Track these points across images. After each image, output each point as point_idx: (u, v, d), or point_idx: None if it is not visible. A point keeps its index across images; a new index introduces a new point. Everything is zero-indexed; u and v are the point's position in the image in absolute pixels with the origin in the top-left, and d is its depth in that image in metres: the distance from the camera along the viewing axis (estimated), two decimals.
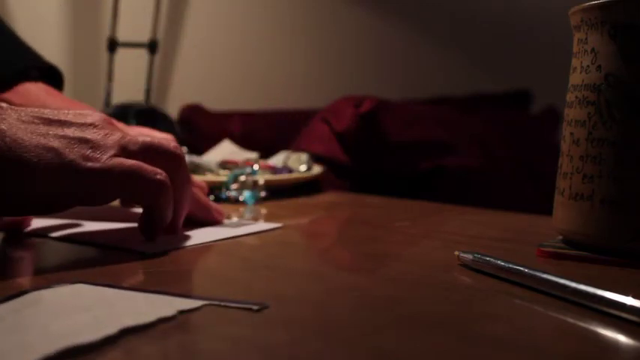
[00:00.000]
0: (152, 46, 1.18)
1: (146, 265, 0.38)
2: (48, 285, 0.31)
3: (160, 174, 0.40)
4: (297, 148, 0.94)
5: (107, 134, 0.40)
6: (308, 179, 0.77)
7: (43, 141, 0.36)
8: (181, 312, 0.28)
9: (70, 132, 0.38)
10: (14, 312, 0.27)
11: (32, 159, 0.36)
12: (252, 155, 0.85)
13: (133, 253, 0.40)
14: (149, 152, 0.41)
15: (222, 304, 0.29)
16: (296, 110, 1.32)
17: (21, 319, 0.26)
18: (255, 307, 0.28)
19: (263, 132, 1.21)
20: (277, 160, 0.82)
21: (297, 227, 0.56)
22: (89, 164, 0.37)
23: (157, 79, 1.28)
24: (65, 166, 0.37)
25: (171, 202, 0.42)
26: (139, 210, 0.53)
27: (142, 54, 1.19)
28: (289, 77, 1.51)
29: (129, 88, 1.17)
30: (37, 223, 0.47)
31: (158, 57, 1.23)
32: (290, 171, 0.77)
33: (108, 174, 0.38)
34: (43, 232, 0.46)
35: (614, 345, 0.27)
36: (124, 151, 0.40)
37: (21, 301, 0.28)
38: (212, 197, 0.67)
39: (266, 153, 0.88)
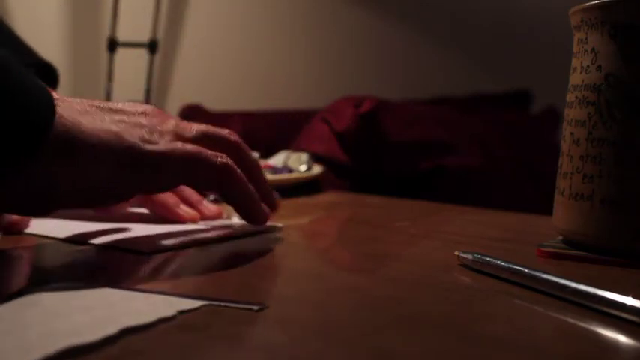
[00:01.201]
0: (152, 46, 1.18)
1: (146, 265, 0.38)
2: (48, 285, 0.31)
3: (222, 157, 0.40)
4: (297, 148, 0.94)
5: (162, 121, 0.40)
6: (308, 179, 0.77)
7: (101, 125, 0.36)
8: (181, 312, 0.28)
9: (126, 117, 0.38)
10: (14, 312, 0.27)
11: (94, 141, 0.35)
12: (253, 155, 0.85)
13: (133, 253, 0.40)
14: (205, 139, 0.41)
15: (222, 304, 0.29)
16: (296, 110, 1.32)
17: (21, 319, 0.26)
18: (255, 307, 0.28)
19: (263, 132, 1.21)
20: (277, 160, 0.82)
21: (297, 227, 0.56)
22: (149, 147, 0.37)
23: (157, 79, 1.28)
24: (126, 149, 0.36)
25: (241, 183, 0.41)
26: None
27: (142, 54, 1.19)
28: (289, 77, 1.51)
29: (129, 88, 1.17)
30: (36, 224, 0.47)
31: (158, 57, 1.23)
32: (290, 171, 0.77)
33: (169, 158, 0.38)
34: (41, 233, 0.46)
35: (614, 345, 0.27)
36: (180, 137, 0.40)
37: (21, 301, 0.28)
38: (212, 197, 0.67)
39: (266, 153, 0.88)
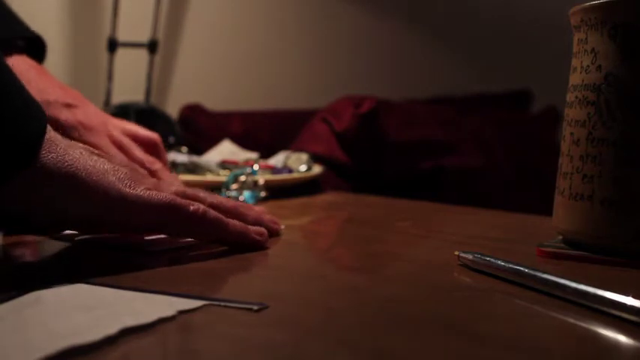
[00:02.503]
0: (152, 46, 1.18)
1: (146, 265, 0.38)
2: (48, 285, 0.31)
3: (195, 204, 0.40)
4: (297, 148, 0.94)
5: (143, 175, 0.41)
6: (308, 179, 0.77)
7: (91, 162, 0.37)
8: (181, 312, 0.28)
9: (111, 162, 0.39)
10: (15, 312, 0.27)
11: (82, 174, 0.36)
12: (252, 155, 0.85)
13: (132, 253, 0.40)
14: (182, 195, 0.42)
15: (222, 304, 0.29)
16: (296, 110, 1.32)
17: (22, 319, 0.26)
18: (255, 307, 0.28)
19: (263, 132, 1.21)
20: (277, 160, 0.82)
21: (297, 227, 0.56)
22: (130, 190, 0.38)
23: (156, 79, 1.28)
24: (110, 186, 0.37)
25: (217, 224, 0.41)
26: None
27: (142, 54, 1.19)
28: (289, 77, 1.51)
29: (129, 88, 1.17)
30: None
31: (158, 57, 1.23)
32: (290, 171, 0.77)
33: (146, 201, 0.38)
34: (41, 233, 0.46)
35: (614, 345, 0.27)
36: (158, 189, 0.40)
37: (21, 301, 0.28)
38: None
39: (266, 153, 0.88)
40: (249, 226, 0.43)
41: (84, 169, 0.36)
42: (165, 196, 0.39)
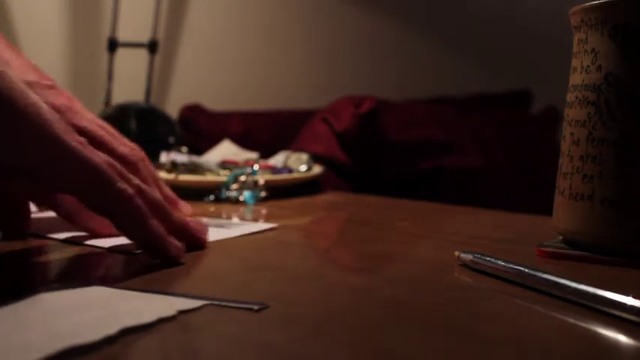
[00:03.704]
0: (152, 46, 1.18)
1: (145, 265, 0.38)
2: (48, 285, 0.31)
3: (123, 183, 0.35)
4: (297, 148, 0.94)
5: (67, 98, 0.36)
6: (308, 179, 0.77)
7: (28, 92, 0.33)
8: (181, 312, 0.28)
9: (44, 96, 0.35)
10: (15, 312, 0.27)
11: (16, 104, 0.32)
12: (252, 155, 0.85)
13: (130, 255, 0.40)
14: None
15: (222, 304, 0.29)
16: (296, 110, 1.32)
17: (21, 319, 0.26)
18: (255, 307, 0.28)
19: (263, 132, 1.21)
20: (277, 160, 0.82)
21: (297, 227, 0.56)
22: (65, 136, 0.33)
23: (157, 79, 1.28)
24: (45, 125, 0.33)
25: (138, 219, 0.36)
26: None
27: (142, 54, 1.19)
28: (289, 77, 1.51)
29: (129, 88, 1.17)
30: (36, 225, 0.47)
31: (158, 57, 1.23)
32: (290, 171, 0.77)
33: (79, 155, 0.34)
34: (41, 234, 0.46)
35: (614, 345, 0.27)
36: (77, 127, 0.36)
37: (21, 301, 0.28)
38: (212, 197, 0.67)
39: (266, 153, 0.88)
40: (169, 235, 0.38)
41: (19, 98, 0.32)
42: (99, 159, 0.34)
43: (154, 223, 0.37)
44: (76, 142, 0.34)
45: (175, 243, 0.38)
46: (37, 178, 0.34)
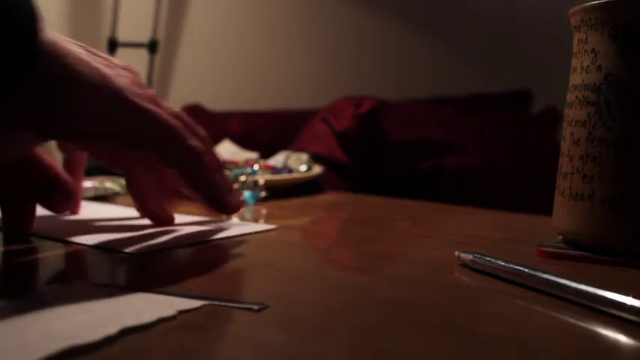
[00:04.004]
0: (152, 46, 1.18)
1: (145, 265, 0.38)
2: (48, 285, 0.31)
3: (196, 140, 0.38)
4: (297, 148, 0.94)
5: (143, 84, 0.39)
6: (308, 179, 0.77)
7: (90, 61, 0.35)
8: (181, 312, 0.28)
9: (111, 65, 0.37)
10: (15, 312, 0.27)
11: (88, 73, 0.34)
12: (252, 155, 0.85)
13: (130, 255, 0.40)
14: (179, 119, 0.40)
15: (222, 304, 0.29)
16: (296, 110, 1.32)
17: (21, 319, 0.26)
18: (255, 307, 0.28)
19: (263, 132, 1.21)
20: (277, 160, 0.82)
21: (297, 227, 0.56)
22: (135, 98, 0.36)
23: (157, 79, 1.28)
24: (115, 90, 0.35)
25: (209, 169, 0.40)
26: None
27: (142, 54, 1.19)
28: (289, 77, 1.51)
29: None
30: (36, 225, 0.47)
31: (158, 57, 1.23)
32: (290, 171, 0.77)
33: (150, 116, 0.36)
34: (41, 234, 0.46)
35: (614, 345, 0.27)
36: (158, 106, 0.39)
37: (21, 301, 0.28)
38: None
39: (266, 153, 0.88)
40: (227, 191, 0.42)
41: (88, 72, 0.34)
42: (169, 118, 0.37)
43: (218, 178, 0.41)
44: (151, 104, 0.37)
45: (232, 199, 0.42)
46: (117, 139, 0.37)
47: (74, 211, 0.51)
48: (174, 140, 0.38)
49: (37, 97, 0.33)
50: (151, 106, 0.37)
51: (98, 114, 0.35)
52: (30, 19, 0.33)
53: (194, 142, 0.39)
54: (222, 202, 0.42)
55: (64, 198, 0.46)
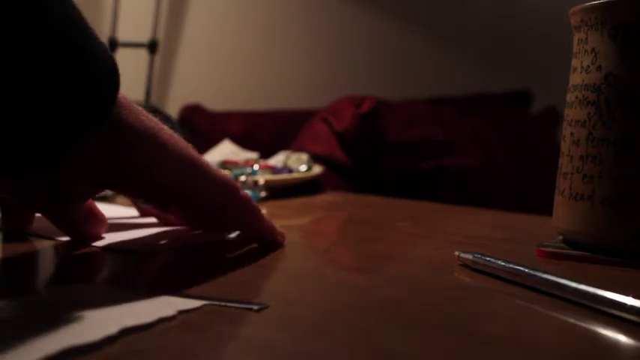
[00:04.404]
0: (152, 46, 1.18)
1: (145, 265, 0.38)
2: (48, 285, 0.31)
3: (242, 191, 0.41)
4: (297, 148, 0.94)
5: None
6: (308, 179, 0.77)
7: (160, 124, 0.37)
8: (181, 312, 0.28)
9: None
10: (15, 312, 0.27)
11: (160, 133, 0.36)
12: (252, 155, 0.85)
13: (130, 254, 0.40)
14: None
15: (222, 304, 0.29)
16: (296, 110, 1.32)
17: (21, 319, 0.26)
18: (255, 307, 0.28)
19: (263, 132, 1.21)
20: (277, 160, 0.82)
21: (297, 227, 0.56)
22: (200, 160, 0.38)
23: (157, 79, 1.28)
24: (186, 151, 0.37)
25: (257, 218, 0.42)
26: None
27: (142, 54, 1.19)
28: (289, 77, 1.51)
29: (129, 88, 1.17)
30: (35, 225, 0.47)
31: (158, 57, 1.23)
32: (290, 171, 0.77)
33: (213, 174, 0.38)
34: (41, 234, 0.46)
35: (614, 345, 0.27)
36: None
37: (22, 302, 0.28)
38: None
39: (266, 153, 0.88)
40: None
41: (160, 128, 0.36)
42: (225, 175, 0.40)
43: (265, 218, 0.43)
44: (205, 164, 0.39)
45: (279, 232, 0.44)
46: (192, 201, 0.39)
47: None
48: (232, 196, 0.40)
49: (109, 147, 0.34)
50: (210, 167, 0.39)
51: (169, 169, 0.36)
52: (110, 81, 0.34)
53: (243, 192, 0.41)
54: (272, 241, 0.44)
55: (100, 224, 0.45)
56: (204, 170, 0.38)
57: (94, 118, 0.32)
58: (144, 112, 0.36)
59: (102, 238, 0.45)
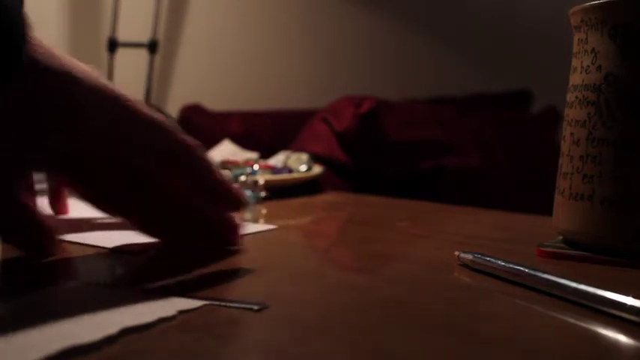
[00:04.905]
0: (152, 46, 1.18)
1: (145, 265, 0.38)
2: (49, 285, 0.31)
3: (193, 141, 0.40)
4: (297, 148, 0.94)
5: None
6: (308, 179, 0.77)
7: (83, 65, 0.36)
8: (181, 312, 0.28)
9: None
10: (15, 312, 0.27)
11: (80, 74, 0.34)
12: (252, 155, 0.85)
13: (128, 254, 0.40)
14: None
15: (222, 304, 0.29)
16: (296, 110, 1.32)
17: (21, 319, 0.26)
18: (255, 307, 0.28)
19: (263, 132, 1.21)
20: (277, 160, 0.82)
21: (297, 227, 0.56)
22: (134, 105, 0.37)
23: (157, 79, 1.28)
24: (115, 94, 0.37)
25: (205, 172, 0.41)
26: None
27: (142, 54, 1.19)
28: (289, 77, 1.51)
29: (129, 88, 1.17)
30: None
31: (158, 57, 1.23)
32: (290, 171, 0.77)
33: (157, 121, 0.38)
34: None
35: (614, 345, 0.27)
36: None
37: (22, 302, 0.28)
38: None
39: (266, 153, 0.88)
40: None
41: (80, 69, 0.34)
42: (168, 121, 0.39)
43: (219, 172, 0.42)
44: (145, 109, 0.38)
45: (235, 194, 0.41)
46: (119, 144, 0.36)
47: (63, 212, 0.51)
48: (177, 143, 0.39)
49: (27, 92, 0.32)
50: (154, 115, 0.38)
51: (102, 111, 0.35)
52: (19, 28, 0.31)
53: (191, 142, 0.40)
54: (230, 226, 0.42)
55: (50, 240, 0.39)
56: (135, 107, 0.36)
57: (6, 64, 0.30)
58: (57, 52, 0.34)
59: (60, 214, 0.45)
